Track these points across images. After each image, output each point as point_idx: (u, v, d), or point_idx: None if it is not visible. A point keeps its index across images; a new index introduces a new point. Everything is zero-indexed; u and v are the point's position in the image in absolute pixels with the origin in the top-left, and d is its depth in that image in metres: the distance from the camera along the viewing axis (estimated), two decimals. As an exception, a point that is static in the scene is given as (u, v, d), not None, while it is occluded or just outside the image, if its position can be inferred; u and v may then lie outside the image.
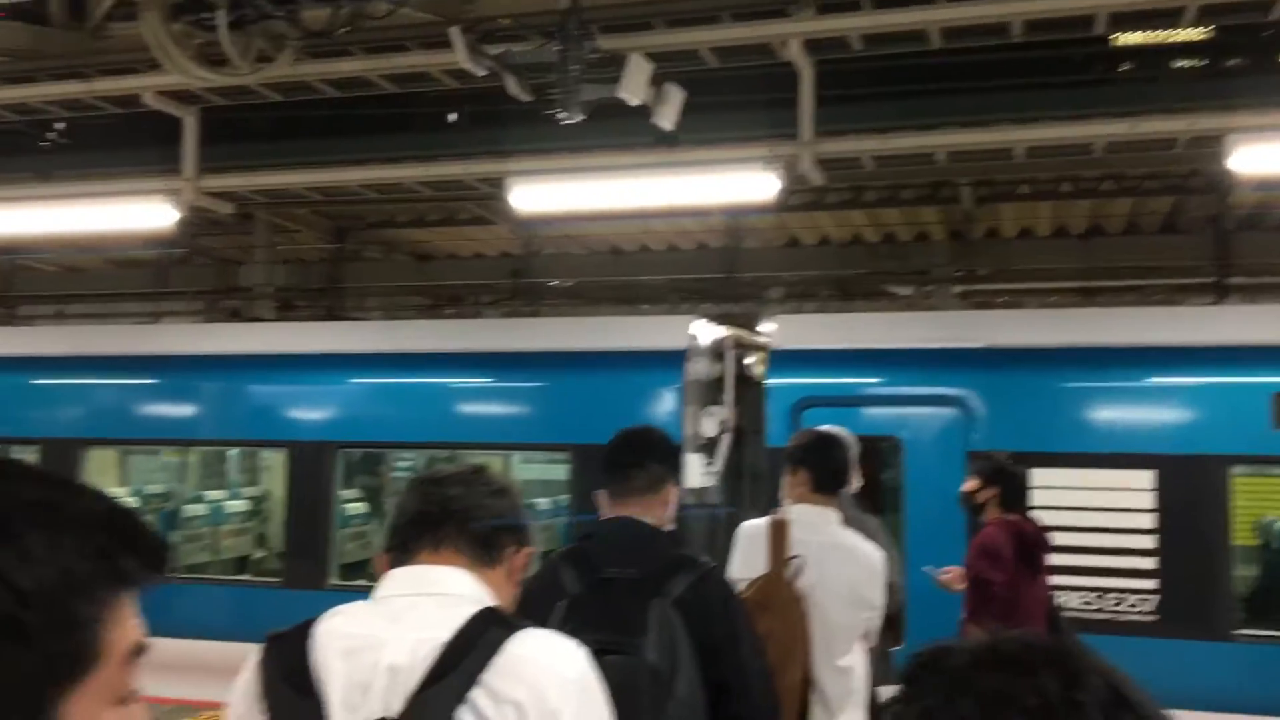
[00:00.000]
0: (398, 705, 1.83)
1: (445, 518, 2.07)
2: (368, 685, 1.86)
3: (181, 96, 7.53)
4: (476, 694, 1.81)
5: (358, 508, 10.55)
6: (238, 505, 11.58)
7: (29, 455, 10.38)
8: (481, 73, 6.59)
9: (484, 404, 9.15)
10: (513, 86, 6.82)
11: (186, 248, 11.95)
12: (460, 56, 6.36)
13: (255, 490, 12.23)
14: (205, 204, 7.99)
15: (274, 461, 10.79)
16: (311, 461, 8.98)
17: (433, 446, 10.07)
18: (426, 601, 1.96)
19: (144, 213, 8.20)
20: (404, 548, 2.08)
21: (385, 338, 10.07)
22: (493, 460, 9.70)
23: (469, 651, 1.84)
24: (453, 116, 12.24)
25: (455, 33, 6.36)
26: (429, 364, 9.36)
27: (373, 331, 10.99)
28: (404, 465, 13.07)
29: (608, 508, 3.11)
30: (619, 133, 7.80)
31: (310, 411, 9.41)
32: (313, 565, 8.44)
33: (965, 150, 7.54)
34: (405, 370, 9.47)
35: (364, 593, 2.10)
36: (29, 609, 0.77)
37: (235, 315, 12.58)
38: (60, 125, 11.87)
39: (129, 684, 0.85)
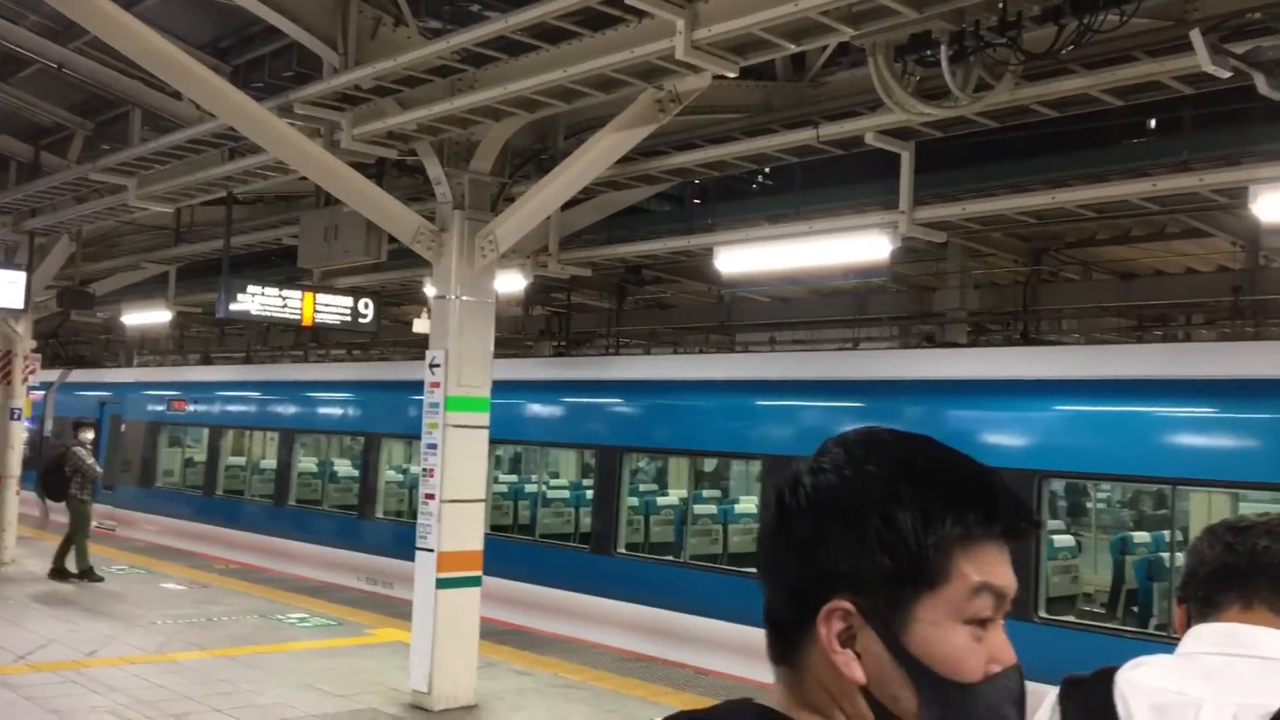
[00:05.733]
0: None
1: (1254, 572, 1.84)
2: None
3: (898, 133, 7.82)
4: None
5: (1065, 539, 10.14)
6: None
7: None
8: (1225, 74, 6.03)
9: (1213, 436, 8.36)
10: (1262, 85, 6.17)
11: (885, 275, 12.47)
12: (1202, 59, 5.87)
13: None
14: (918, 234, 8.21)
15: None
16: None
17: (1140, 480, 9.42)
18: (1243, 663, 1.77)
19: (859, 245, 8.64)
20: (1206, 601, 1.89)
21: (1088, 363, 9.64)
22: (1216, 500, 8.81)
23: None
24: (1152, 123, 11.59)
25: (1196, 35, 5.89)
26: (1135, 391, 8.79)
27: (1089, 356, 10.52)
28: (1107, 497, 12.42)
29: None
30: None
31: (1013, 438, 9.31)
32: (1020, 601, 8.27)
33: None
34: (1107, 398, 8.98)
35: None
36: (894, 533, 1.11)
37: (929, 340, 12.85)
38: (766, 169, 13.05)
39: (975, 612, 1.09)
